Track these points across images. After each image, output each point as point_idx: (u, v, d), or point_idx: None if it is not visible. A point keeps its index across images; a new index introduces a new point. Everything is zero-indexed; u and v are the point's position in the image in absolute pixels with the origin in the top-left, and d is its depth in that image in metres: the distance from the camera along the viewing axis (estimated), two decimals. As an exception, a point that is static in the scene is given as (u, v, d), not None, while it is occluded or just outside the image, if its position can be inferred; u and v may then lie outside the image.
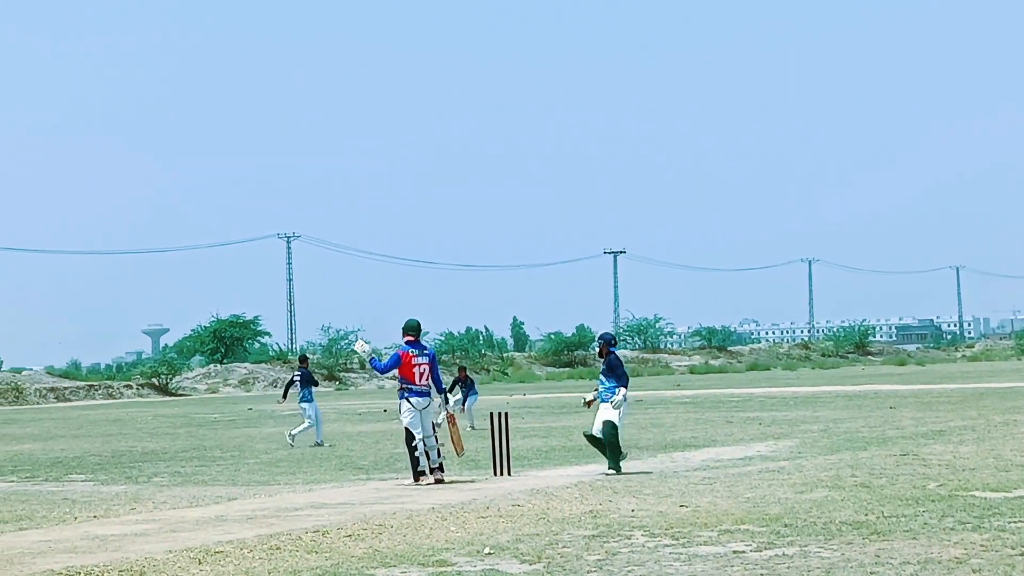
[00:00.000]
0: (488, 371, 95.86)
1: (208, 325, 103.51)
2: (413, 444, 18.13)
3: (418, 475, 18.10)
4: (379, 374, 18.12)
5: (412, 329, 18.72)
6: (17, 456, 28.26)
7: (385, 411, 18.92)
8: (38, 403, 76.21)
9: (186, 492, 18.48)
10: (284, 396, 32.25)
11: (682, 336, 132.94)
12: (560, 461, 21.51)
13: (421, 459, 18.13)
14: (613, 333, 22.44)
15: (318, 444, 28.25)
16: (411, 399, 18.27)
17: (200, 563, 11.58)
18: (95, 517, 15.63)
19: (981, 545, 11.03)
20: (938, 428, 25.74)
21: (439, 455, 18.36)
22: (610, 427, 18.50)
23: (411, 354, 18.44)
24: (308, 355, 41.69)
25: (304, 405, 29.23)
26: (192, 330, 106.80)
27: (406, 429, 18.25)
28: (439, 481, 17.98)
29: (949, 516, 12.83)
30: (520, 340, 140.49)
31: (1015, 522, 12.28)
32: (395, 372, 18.47)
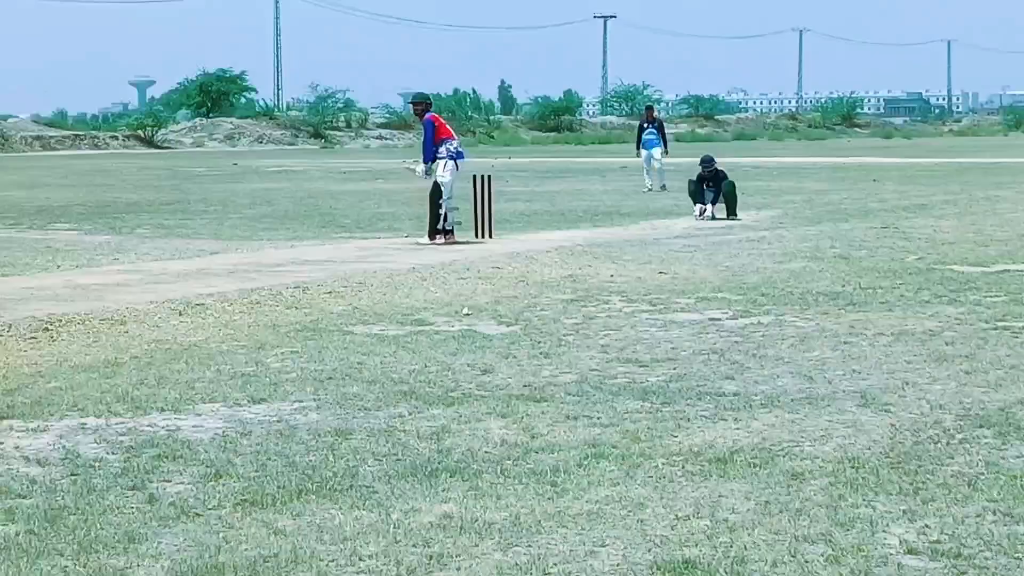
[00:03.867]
0: (474, 134, 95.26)
1: (195, 79, 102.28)
2: (440, 201, 18.21)
3: (437, 232, 18.19)
4: (431, 160, 18.30)
5: (425, 98, 19.14)
6: (2, 203, 28.21)
7: (414, 170, 18.89)
8: (23, 151, 75.87)
9: (169, 244, 18.52)
10: None
11: (670, 104, 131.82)
12: (542, 226, 21.56)
13: (451, 216, 18.27)
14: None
15: None
16: (457, 160, 18.48)
17: (181, 315, 11.66)
18: (78, 266, 15.69)
19: (955, 318, 11.13)
20: (920, 202, 25.81)
21: (455, 219, 18.48)
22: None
23: (441, 117, 18.77)
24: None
25: None
26: (178, 83, 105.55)
27: (437, 186, 18.25)
28: (452, 243, 18.05)
29: (926, 289, 12.93)
30: (507, 103, 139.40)
31: (990, 296, 12.39)
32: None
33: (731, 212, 22.37)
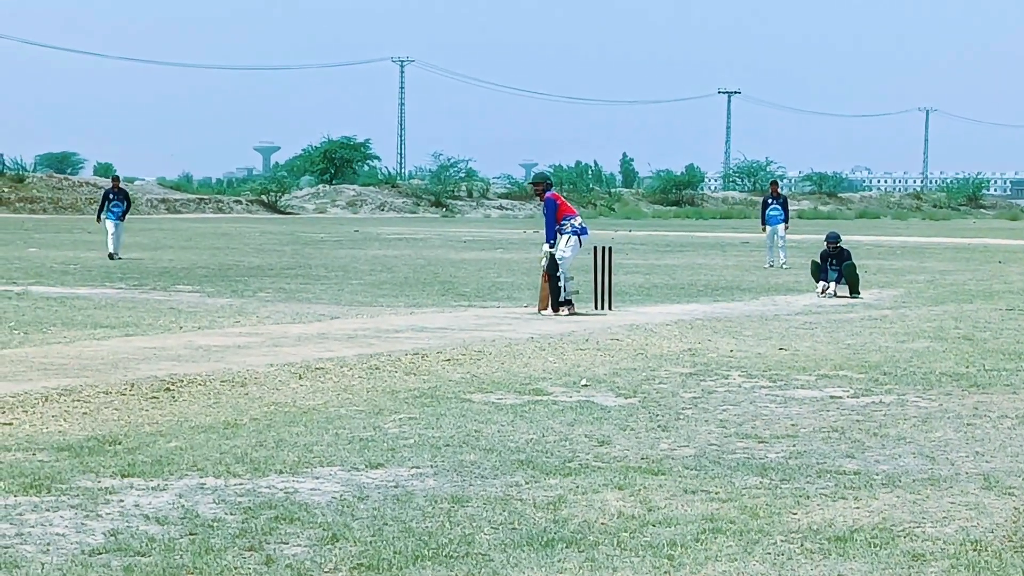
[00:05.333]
0: (595, 206, 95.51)
1: (319, 145, 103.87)
2: (558, 274, 18.31)
3: (560, 305, 18.27)
4: (553, 237, 18.61)
5: (546, 179, 19.50)
6: (126, 264, 28.80)
7: (548, 254, 19.03)
8: (149, 214, 77.40)
9: (289, 308, 18.75)
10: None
11: (792, 181, 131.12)
12: (661, 299, 21.51)
13: (568, 286, 18.38)
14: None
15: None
16: (580, 236, 18.78)
17: (300, 378, 11.78)
18: (199, 328, 15.94)
19: (1083, 404, 10.88)
20: (1048, 285, 25.32)
21: (572, 288, 18.60)
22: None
23: (561, 195, 19.53)
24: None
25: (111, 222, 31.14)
26: (303, 149, 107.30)
27: (555, 261, 18.37)
28: (572, 313, 18.12)
29: (1052, 373, 12.66)
30: (629, 176, 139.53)
31: (1120, 383, 12.09)
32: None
33: (853, 291, 22.18)
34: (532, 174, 19.79)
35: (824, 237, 23.37)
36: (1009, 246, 45.02)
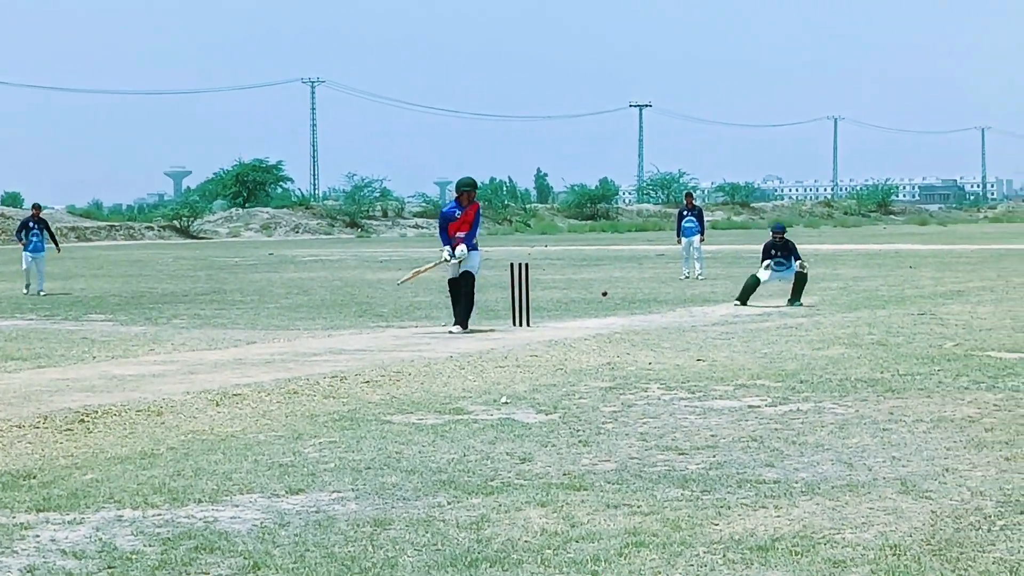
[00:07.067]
0: (511, 222, 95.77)
1: (231, 169, 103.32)
2: (472, 290, 18.56)
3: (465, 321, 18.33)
4: (474, 244, 18.62)
5: (476, 184, 19.25)
6: (38, 295, 28.38)
7: (448, 260, 18.84)
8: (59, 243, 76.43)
9: (205, 334, 18.59)
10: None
11: (705, 192, 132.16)
12: (579, 313, 21.57)
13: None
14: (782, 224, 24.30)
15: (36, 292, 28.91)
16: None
17: (218, 405, 11.68)
18: (113, 357, 15.75)
19: (994, 405, 11.05)
20: (957, 288, 25.70)
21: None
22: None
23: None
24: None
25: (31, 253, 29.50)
26: (214, 173, 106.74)
27: (471, 275, 18.45)
28: (465, 331, 18.08)
29: (964, 376, 12.84)
30: (543, 192, 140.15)
31: (1031, 383, 12.28)
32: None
33: (796, 297, 22.40)
34: (456, 183, 19.47)
35: (769, 227, 23.79)
36: (919, 251, 45.66)
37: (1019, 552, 6.46)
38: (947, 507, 7.40)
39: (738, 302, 22.31)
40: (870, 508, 7.42)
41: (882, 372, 13.23)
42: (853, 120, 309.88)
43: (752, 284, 22.71)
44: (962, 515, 7.21)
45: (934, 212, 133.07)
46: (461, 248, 18.33)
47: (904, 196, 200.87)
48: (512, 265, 19.87)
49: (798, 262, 22.84)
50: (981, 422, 10.22)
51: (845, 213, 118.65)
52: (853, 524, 7.06)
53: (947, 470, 8.42)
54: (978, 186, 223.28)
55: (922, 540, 6.70)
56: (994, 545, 6.59)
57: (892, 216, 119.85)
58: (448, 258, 18.41)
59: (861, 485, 8.03)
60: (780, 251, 23.06)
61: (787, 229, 23.74)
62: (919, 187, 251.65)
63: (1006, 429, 9.88)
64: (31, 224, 30.33)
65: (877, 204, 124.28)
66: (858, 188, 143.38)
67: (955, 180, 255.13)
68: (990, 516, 7.17)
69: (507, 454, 9.26)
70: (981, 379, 12.59)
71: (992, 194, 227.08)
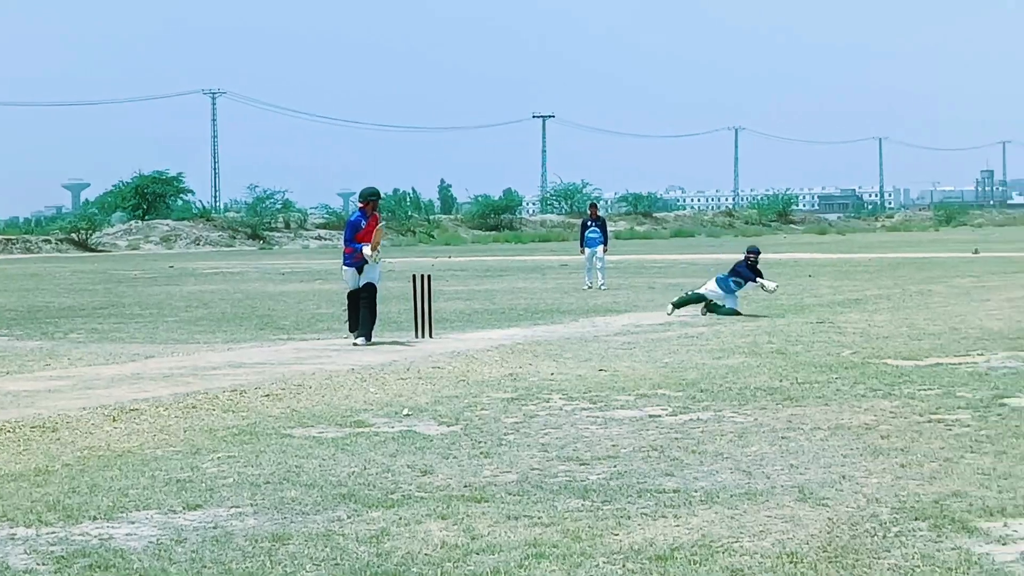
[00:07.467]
0: (414, 233, 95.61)
1: (130, 181, 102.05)
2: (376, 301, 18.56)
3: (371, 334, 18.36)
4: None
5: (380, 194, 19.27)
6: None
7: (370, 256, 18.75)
8: (-44, 257, 75.18)
9: (102, 349, 18.34)
10: None
11: (609, 202, 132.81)
12: (482, 324, 21.56)
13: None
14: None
15: None
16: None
17: (115, 420, 11.53)
18: (7, 373, 15.49)
19: (890, 412, 11.20)
20: (855, 297, 26.04)
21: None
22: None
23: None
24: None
25: None
26: (113, 185, 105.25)
27: (373, 287, 18.49)
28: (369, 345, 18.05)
29: (861, 383, 13.01)
30: (447, 202, 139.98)
31: (924, 389, 12.48)
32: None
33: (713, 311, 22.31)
34: (360, 193, 19.33)
35: (747, 248, 23.67)
36: (818, 260, 46.21)
37: (913, 558, 6.55)
38: (843, 514, 7.48)
39: (671, 307, 22.42)
40: (768, 516, 7.48)
41: (781, 380, 13.37)
42: (754, 130, 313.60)
43: (694, 299, 22.63)
44: (858, 522, 7.30)
45: (833, 221, 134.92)
46: (378, 251, 18.63)
47: (804, 205, 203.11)
48: (415, 276, 19.83)
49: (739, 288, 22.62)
50: (877, 429, 10.35)
51: (746, 223, 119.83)
52: (751, 532, 7.11)
53: (844, 477, 8.52)
54: (876, 195, 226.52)
55: (818, 547, 6.77)
56: (889, 552, 6.67)
57: (792, 225, 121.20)
58: (369, 256, 18.47)
59: (759, 493, 8.10)
60: (744, 274, 22.74)
61: (760, 253, 23.69)
62: (819, 196, 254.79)
63: (902, 436, 10.01)
64: None
65: (777, 213, 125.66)
66: (759, 198, 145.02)
67: (854, 190, 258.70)
68: (885, 523, 7.26)
69: (408, 467, 9.23)
70: (878, 387, 12.76)
71: (890, 203, 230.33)
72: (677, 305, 22.50)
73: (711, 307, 22.40)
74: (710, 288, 22.72)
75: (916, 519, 7.33)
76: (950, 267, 38.10)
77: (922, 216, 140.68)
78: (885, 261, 43.89)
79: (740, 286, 22.81)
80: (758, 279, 22.79)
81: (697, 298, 22.66)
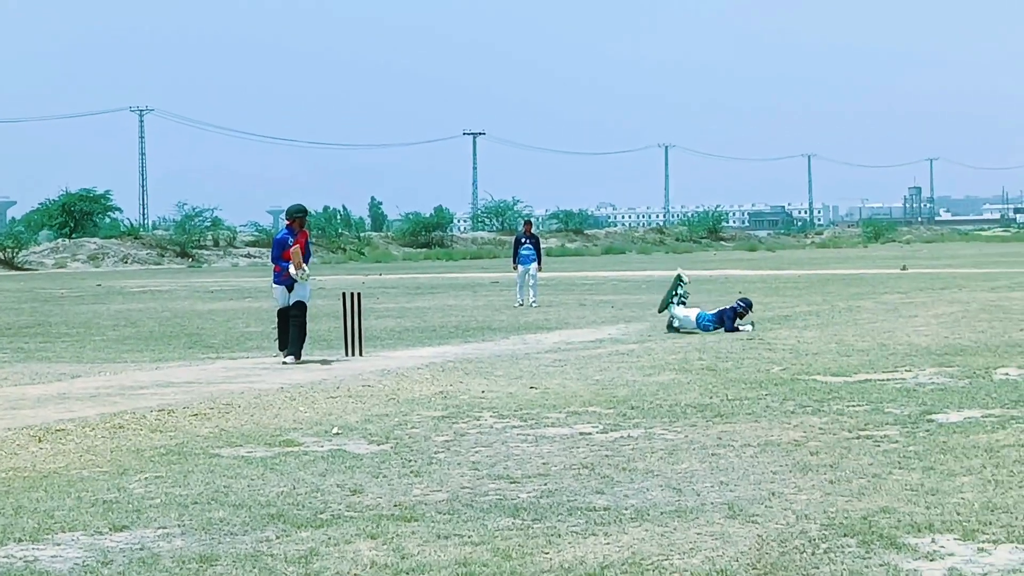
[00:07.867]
0: (345, 251, 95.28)
1: (57, 199, 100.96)
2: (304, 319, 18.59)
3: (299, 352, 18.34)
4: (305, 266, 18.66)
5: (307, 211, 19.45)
6: None
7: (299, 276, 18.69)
8: None
9: (28, 368, 18.11)
10: None
11: (540, 219, 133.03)
12: (412, 342, 21.50)
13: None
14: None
15: None
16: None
17: (40, 441, 11.38)
18: (-67, 393, 15.26)
19: (820, 428, 11.27)
20: (784, 313, 26.20)
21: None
22: None
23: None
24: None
25: None
26: (40, 203, 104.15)
27: (303, 304, 18.54)
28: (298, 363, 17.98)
29: (791, 400, 13.08)
30: (378, 220, 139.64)
31: (853, 405, 12.57)
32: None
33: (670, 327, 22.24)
34: (287, 210, 19.34)
35: (740, 299, 23.01)
36: (748, 276, 46.49)
37: (843, 575, 6.57)
38: (773, 531, 7.51)
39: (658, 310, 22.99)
40: (698, 533, 7.50)
41: (711, 397, 13.42)
42: (684, 148, 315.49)
43: (667, 304, 22.59)
44: (787, 539, 7.32)
45: (763, 238, 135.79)
46: (305, 268, 18.53)
47: (734, 222, 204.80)
48: (344, 294, 19.74)
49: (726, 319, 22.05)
50: (807, 446, 10.41)
51: (677, 239, 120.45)
52: (681, 550, 7.12)
53: (773, 494, 8.55)
54: (805, 212, 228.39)
55: (748, 564, 6.79)
56: (818, 568, 6.70)
57: (722, 242, 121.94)
58: (299, 275, 18.39)
59: (689, 510, 8.11)
60: (726, 324, 21.85)
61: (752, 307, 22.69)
62: (748, 213, 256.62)
63: (831, 452, 10.07)
64: None
65: (708, 230, 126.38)
66: (689, 215, 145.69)
67: (783, 206, 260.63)
68: (814, 539, 7.30)
69: (338, 486, 9.17)
70: (807, 403, 12.83)
71: (819, 220, 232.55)
72: (661, 309, 23.01)
73: (673, 326, 22.23)
74: (687, 316, 22.30)
75: (845, 535, 7.37)
76: (878, 283, 38.46)
77: (851, 233, 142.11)
78: (814, 277, 44.23)
79: (712, 329, 21.95)
80: (736, 324, 21.99)
81: (667, 305, 22.60)
